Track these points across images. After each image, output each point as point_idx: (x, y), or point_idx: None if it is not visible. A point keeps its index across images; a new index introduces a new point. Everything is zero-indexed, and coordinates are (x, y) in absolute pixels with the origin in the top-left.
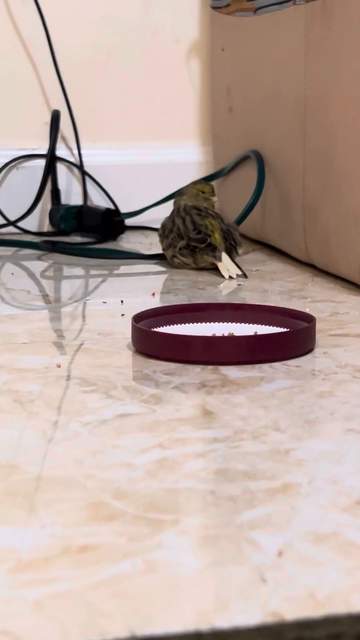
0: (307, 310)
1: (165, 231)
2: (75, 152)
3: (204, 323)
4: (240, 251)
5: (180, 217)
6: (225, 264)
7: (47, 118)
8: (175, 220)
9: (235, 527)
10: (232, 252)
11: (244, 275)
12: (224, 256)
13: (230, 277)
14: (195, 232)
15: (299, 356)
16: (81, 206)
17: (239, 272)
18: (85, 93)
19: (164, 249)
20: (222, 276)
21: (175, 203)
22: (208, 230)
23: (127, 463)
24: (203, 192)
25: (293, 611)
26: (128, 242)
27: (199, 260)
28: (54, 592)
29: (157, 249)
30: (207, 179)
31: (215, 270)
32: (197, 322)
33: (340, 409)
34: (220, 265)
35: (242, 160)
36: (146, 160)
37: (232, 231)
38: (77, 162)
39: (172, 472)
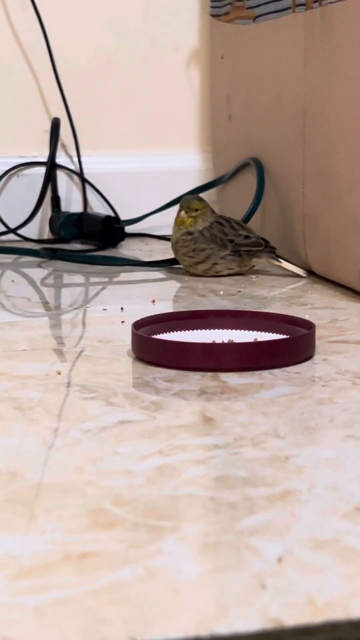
0: (306, 317)
1: (197, 250)
2: (75, 159)
3: (203, 330)
4: None
5: (217, 225)
6: (284, 263)
7: (47, 126)
8: (213, 232)
9: (235, 534)
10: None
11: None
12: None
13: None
14: (241, 238)
15: (298, 363)
16: (81, 213)
17: (300, 270)
18: (85, 100)
19: (197, 263)
20: (289, 274)
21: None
22: (253, 234)
23: (127, 470)
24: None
25: (293, 617)
26: (128, 249)
27: (245, 263)
28: (54, 598)
29: (157, 256)
30: (207, 186)
31: (227, 276)
32: (197, 329)
33: (340, 416)
34: (286, 264)
35: (242, 167)
36: (146, 167)
37: None
38: (77, 169)
39: (172, 478)
